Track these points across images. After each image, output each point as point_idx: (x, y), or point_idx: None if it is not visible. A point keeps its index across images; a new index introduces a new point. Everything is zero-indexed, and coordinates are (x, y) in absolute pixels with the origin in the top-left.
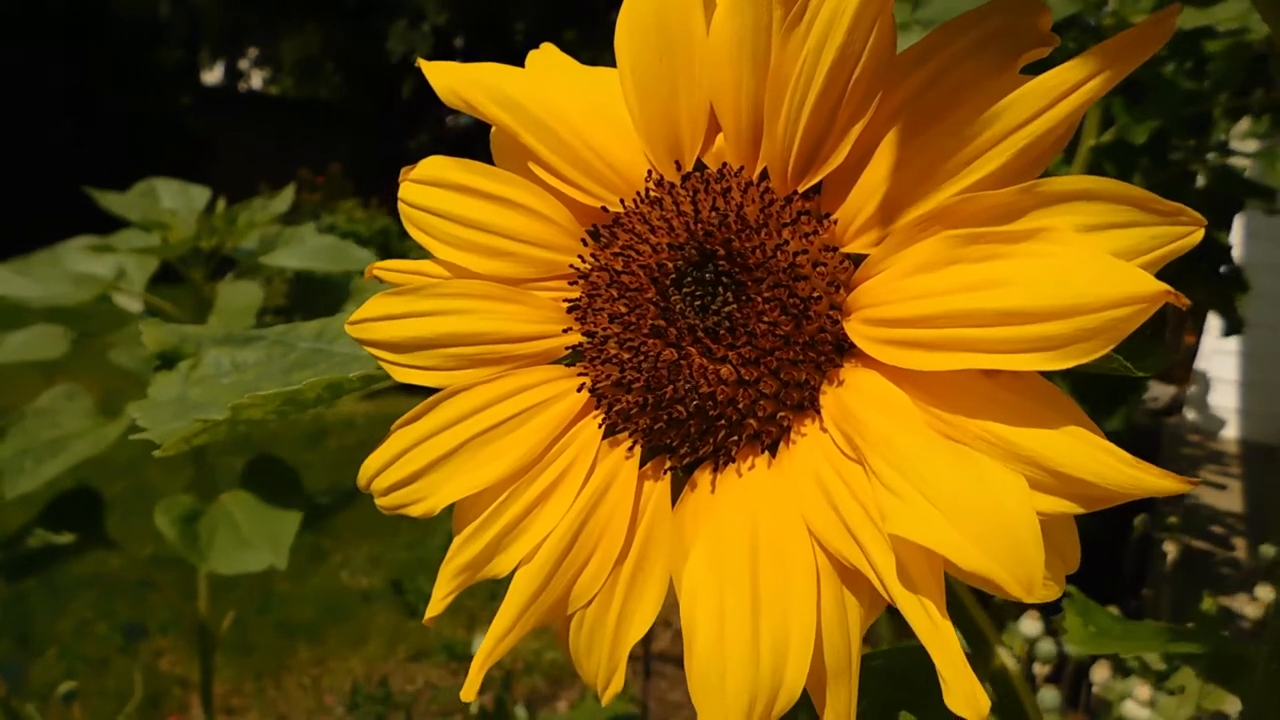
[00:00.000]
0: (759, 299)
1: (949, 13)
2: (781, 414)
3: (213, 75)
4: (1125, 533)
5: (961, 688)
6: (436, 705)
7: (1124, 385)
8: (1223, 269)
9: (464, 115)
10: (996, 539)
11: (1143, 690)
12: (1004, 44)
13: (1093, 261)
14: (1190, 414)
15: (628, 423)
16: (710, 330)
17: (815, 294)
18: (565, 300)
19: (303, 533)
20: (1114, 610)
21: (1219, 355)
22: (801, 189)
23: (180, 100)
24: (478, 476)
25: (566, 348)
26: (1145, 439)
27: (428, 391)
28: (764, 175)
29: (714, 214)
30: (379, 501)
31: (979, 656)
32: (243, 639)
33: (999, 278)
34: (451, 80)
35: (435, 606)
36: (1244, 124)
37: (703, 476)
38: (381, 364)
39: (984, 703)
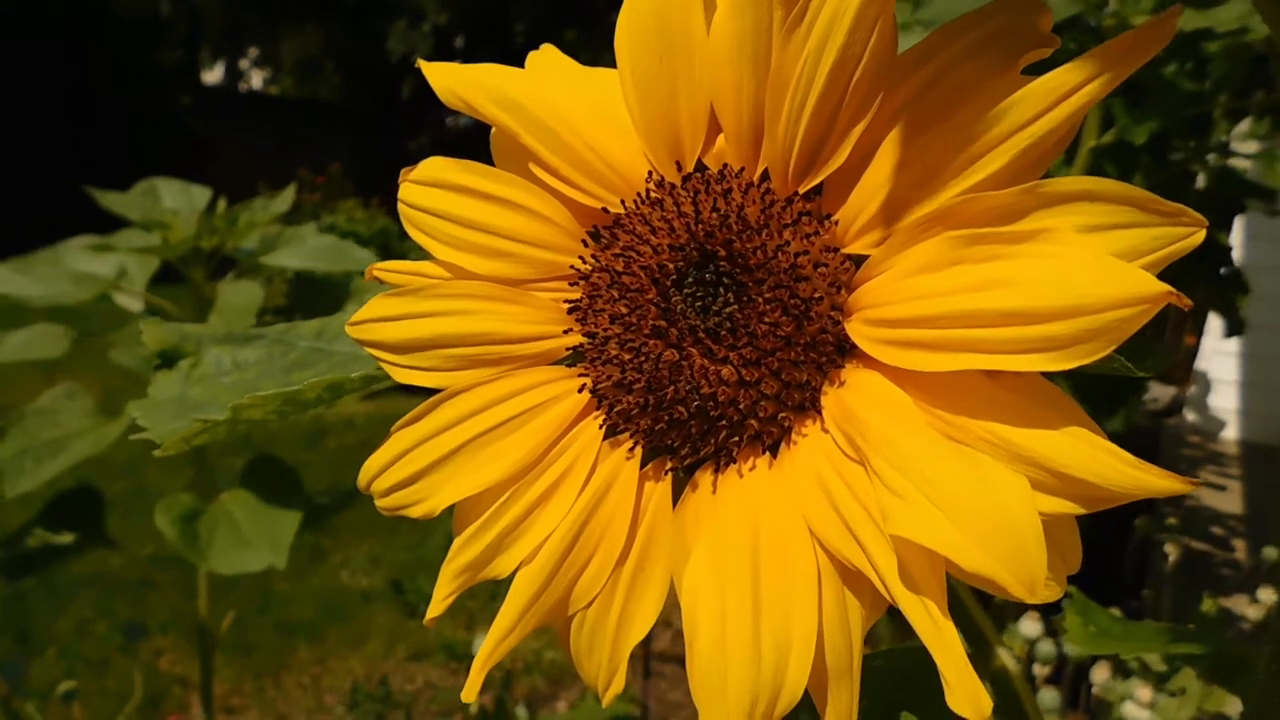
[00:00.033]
0: (760, 300)
1: (950, 13)
2: (783, 415)
3: (213, 75)
4: (1126, 534)
5: (964, 688)
6: (436, 705)
7: (1124, 386)
8: (1223, 270)
9: (464, 116)
10: (999, 540)
11: (1144, 692)
12: (1005, 45)
13: (1094, 262)
14: (1190, 415)
15: (629, 423)
16: (711, 331)
17: (816, 295)
18: (566, 301)
19: (303, 532)
20: (1116, 612)
21: (1219, 356)
22: (803, 190)
23: (180, 100)
24: (478, 478)
25: (567, 349)
26: (1145, 440)
27: (428, 391)
28: (765, 176)
29: (715, 215)
30: (379, 503)
31: (979, 657)
32: (243, 639)
33: (1001, 278)
34: (451, 81)
35: (436, 607)
36: (1245, 125)
37: (704, 477)
38: (382, 365)
39: (986, 703)
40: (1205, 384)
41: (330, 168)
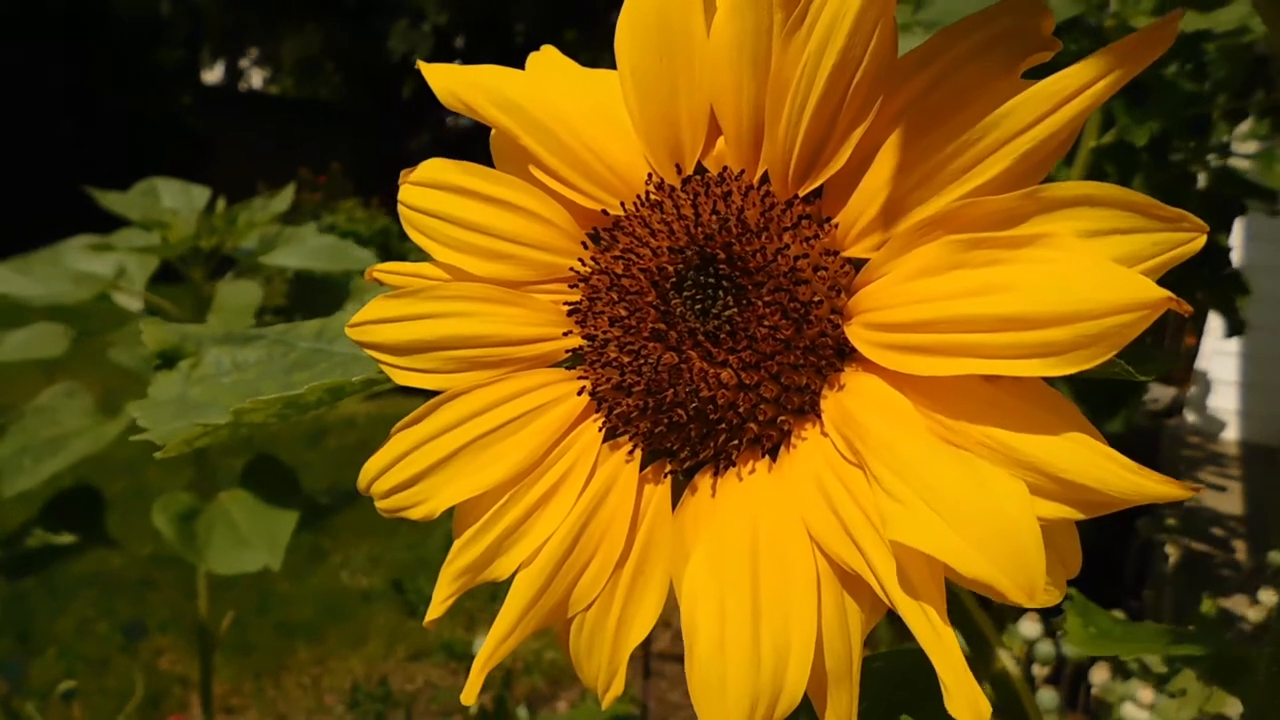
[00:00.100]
0: (759, 303)
1: (951, 14)
2: (782, 418)
3: (213, 75)
4: (1126, 535)
5: (963, 694)
6: (436, 705)
7: (1125, 387)
8: (1223, 271)
9: (464, 116)
10: (997, 545)
11: (1145, 693)
12: (1007, 48)
13: (1094, 267)
14: (1190, 416)
15: (628, 426)
16: (711, 334)
17: (816, 298)
18: (565, 303)
19: (302, 532)
20: (1118, 614)
21: (1219, 357)
22: (802, 193)
23: (180, 100)
24: (478, 480)
25: (567, 351)
26: (1145, 440)
27: (429, 391)
28: (765, 179)
29: (714, 218)
30: (379, 504)
31: (980, 659)
32: (243, 638)
33: (1001, 283)
34: (451, 83)
35: (435, 609)
36: (1246, 125)
37: (703, 480)
38: (382, 366)
39: (985, 708)
40: (1205, 384)
41: (330, 167)
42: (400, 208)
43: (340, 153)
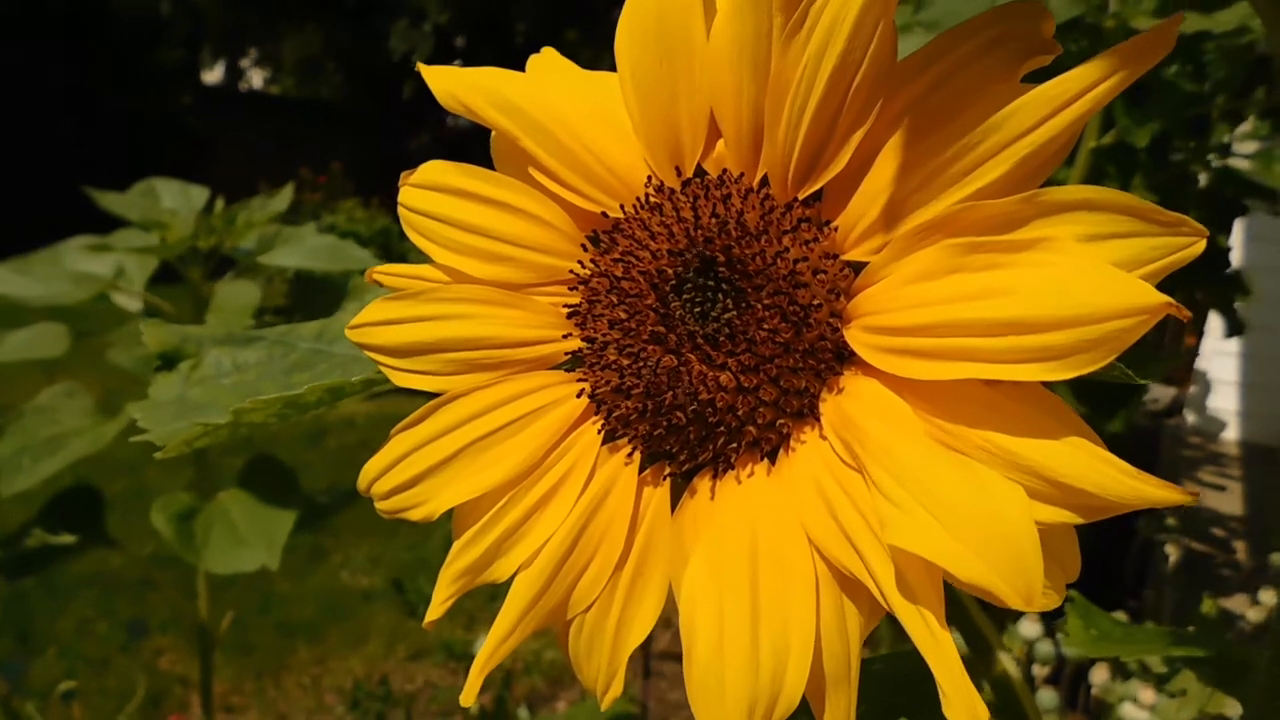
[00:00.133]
0: (759, 306)
1: (952, 15)
2: (781, 421)
3: (213, 75)
4: (1126, 536)
5: (961, 699)
6: (436, 704)
7: (1125, 388)
8: (1224, 271)
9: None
10: (995, 550)
11: (1147, 694)
12: (1006, 51)
13: (1094, 272)
14: (1190, 416)
15: (627, 428)
16: (710, 337)
17: (815, 301)
18: (565, 306)
19: (302, 532)
20: (1121, 616)
21: (1219, 357)
22: (802, 196)
23: (181, 100)
24: (477, 481)
25: (566, 353)
26: (1145, 440)
27: (430, 391)
28: (764, 182)
29: (714, 220)
30: (379, 506)
31: (980, 661)
32: (243, 638)
33: (1000, 287)
34: (450, 85)
35: (435, 610)
36: (1248, 125)
37: (702, 483)
38: (381, 368)
39: (983, 713)
40: (1205, 385)
41: (331, 167)
42: (400, 210)
43: (340, 153)
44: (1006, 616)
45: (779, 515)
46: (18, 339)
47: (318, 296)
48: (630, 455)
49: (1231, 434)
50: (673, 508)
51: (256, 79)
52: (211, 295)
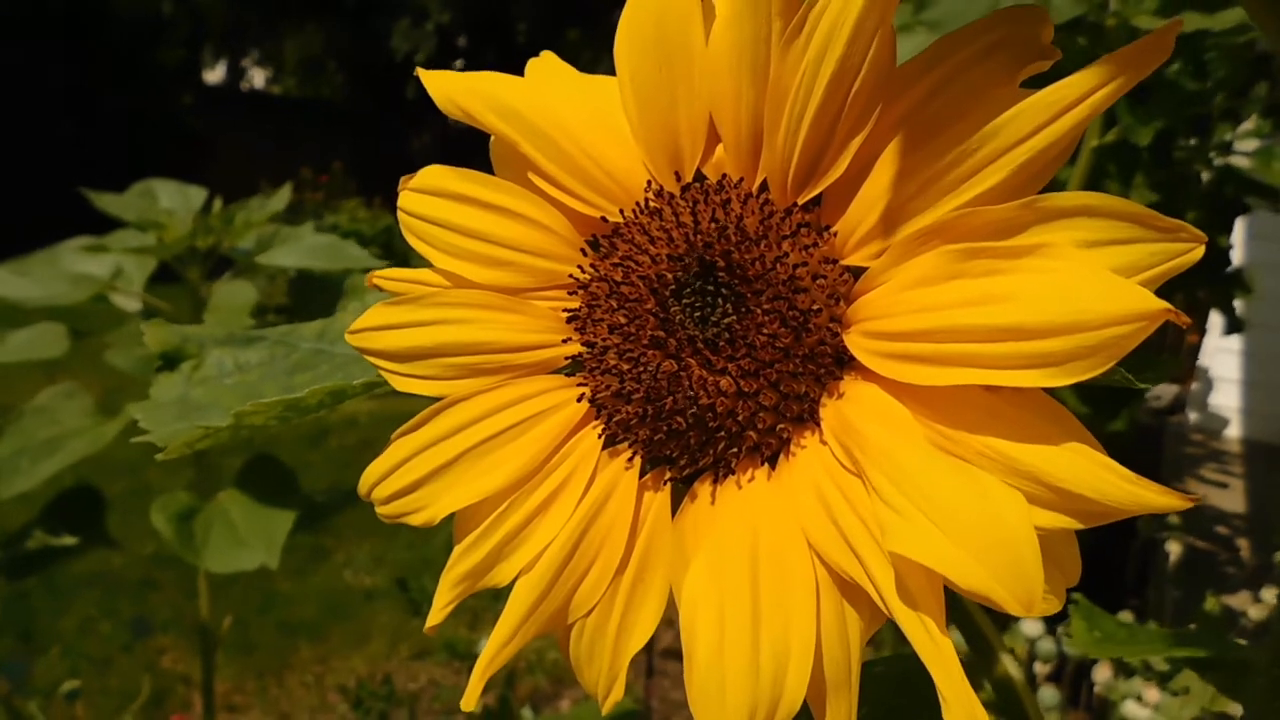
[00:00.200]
0: (758, 311)
1: (954, 15)
2: (781, 426)
3: (215, 75)
4: (1128, 534)
5: (961, 704)
6: (439, 703)
7: (1127, 389)
8: (1226, 269)
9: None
10: (995, 555)
11: (1151, 692)
12: (1005, 56)
13: (1093, 278)
14: (1193, 413)
15: (627, 433)
16: (710, 342)
17: (815, 306)
18: (565, 310)
19: (303, 532)
20: (1127, 616)
21: (1222, 354)
22: (801, 201)
23: (181, 100)
24: (478, 486)
25: (566, 358)
26: (1148, 438)
27: (430, 396)
28: (764, 187)
29: (713, 225)
30: (379, 510)
31: (982, 662)
32: (245, 638)
33: (999, 293)
34: (449, 89)
35: (436, 615)
36: (1250, 124)
37: (703, 488)
38: (381, 372)
39: (983, 718)
40: (1208, 382)
41: (332, 167)
42: (399, 214)
43: (341, 152)
44: (1008, 616)
45: (779, 520)
46: (18, 340)
47: (317, 296)
48: (630, 460)
49: (1234, 431)
50: (673, 513)
51: (258, 79)
52: (209, 295)
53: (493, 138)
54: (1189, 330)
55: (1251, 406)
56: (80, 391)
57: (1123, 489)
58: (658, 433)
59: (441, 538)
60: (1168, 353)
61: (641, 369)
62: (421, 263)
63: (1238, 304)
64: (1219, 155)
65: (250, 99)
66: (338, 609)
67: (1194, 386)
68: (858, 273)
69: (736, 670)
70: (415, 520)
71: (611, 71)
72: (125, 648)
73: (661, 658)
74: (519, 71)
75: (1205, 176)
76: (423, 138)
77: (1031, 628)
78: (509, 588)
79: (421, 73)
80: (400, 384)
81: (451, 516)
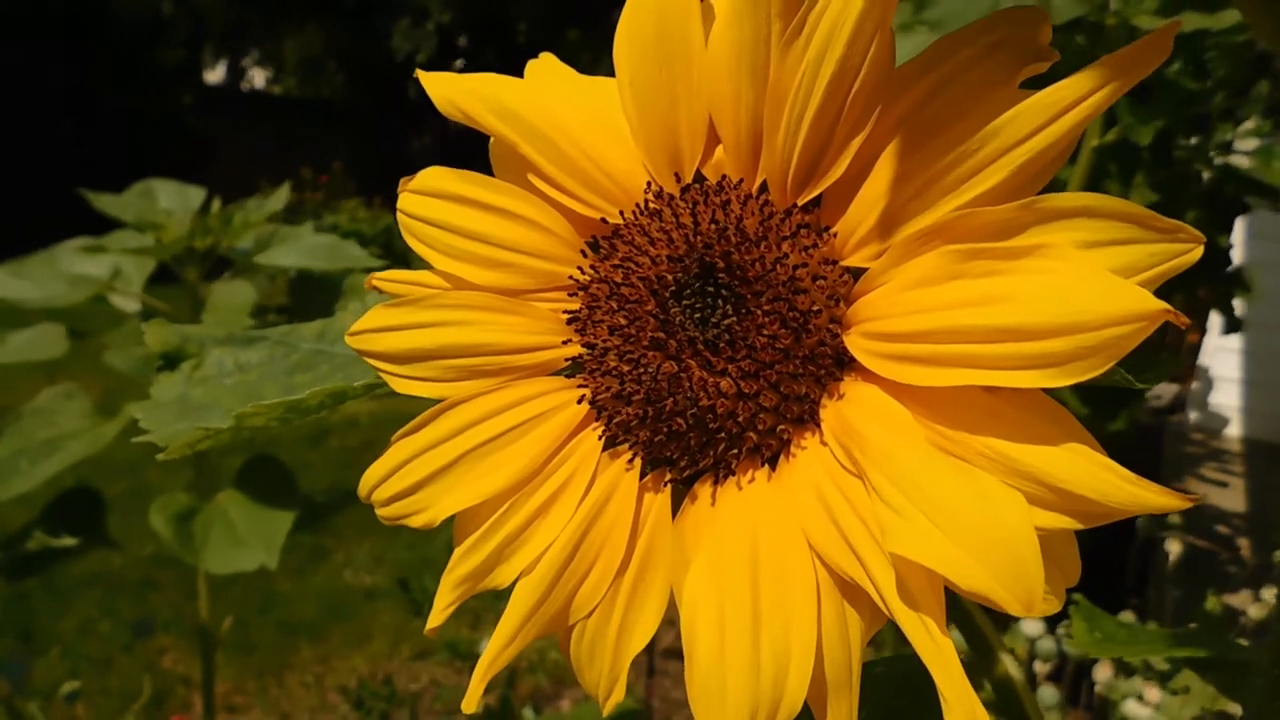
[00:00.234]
0: (758, 312)
1: (955, 14)
2: (781, 427)
3: (215, 75)
4: (1128, 534)
5: (961, 705)
6: (440, 703)
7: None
8: (1225, 268)
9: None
10: (996, 556)
11: (1152, 691)
12: (1005, 57)
13: (1092, 279)
14: (1193, 412)
15: (628, 435)
16: (710, 343)
17: (815, 307)
18: (565, 312)
19: (303, 532)
20: (1129, 616)
21: (1222, 353)
22: (801, 202)
23: (181, 100)
24: (478, 488)
25: (566, 359)
26: (1148, 437)
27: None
28: (763, 188)
29: (713, 226)
30: (379, 513)
31: (982, 662)
32: (245, 638)
33: (999, 294)
34: (449, 91)
35: (437, 616)
36: (1251, 123)
37: (703, 489)
38: (381, 375)
39: (984, 719)
40: (1208, 381)
41: (332, 167)
42: (399, 216)
43: (341, 152)
44: (1008, 616)
45: (780, 521)
46: (18, 341)
47: (317, 296)
48: (631, 461)
49: (1234, 430)
50: (674, 514)
51: (258, 79)
52: (208, 295)
53: (492, 139)
54: (1189, 329)
55: (1252, 405)
56: (79, 392)
57: (1123, 489)
58: (658, 434)
59: (442, 537)
60: (1168, 352)
61: (642, 370)
62: (421, 264)
63: (1237, 303)
64: (1219, 155)
65: (250, 99)
66: (338, 609)
67: (1194, 386)
68: (857, 274)
69: (737, 671)
70: (416, 522)
71: (611, 72)
72: (125, 648)
73: (662, 657)
74: (519, 72)
75: (1205, 176)
76: (423, 138)
77: (1031, 627)
78: (510, 589)
79: (421, 74)
80: (400, 386)
81: (452, 518)
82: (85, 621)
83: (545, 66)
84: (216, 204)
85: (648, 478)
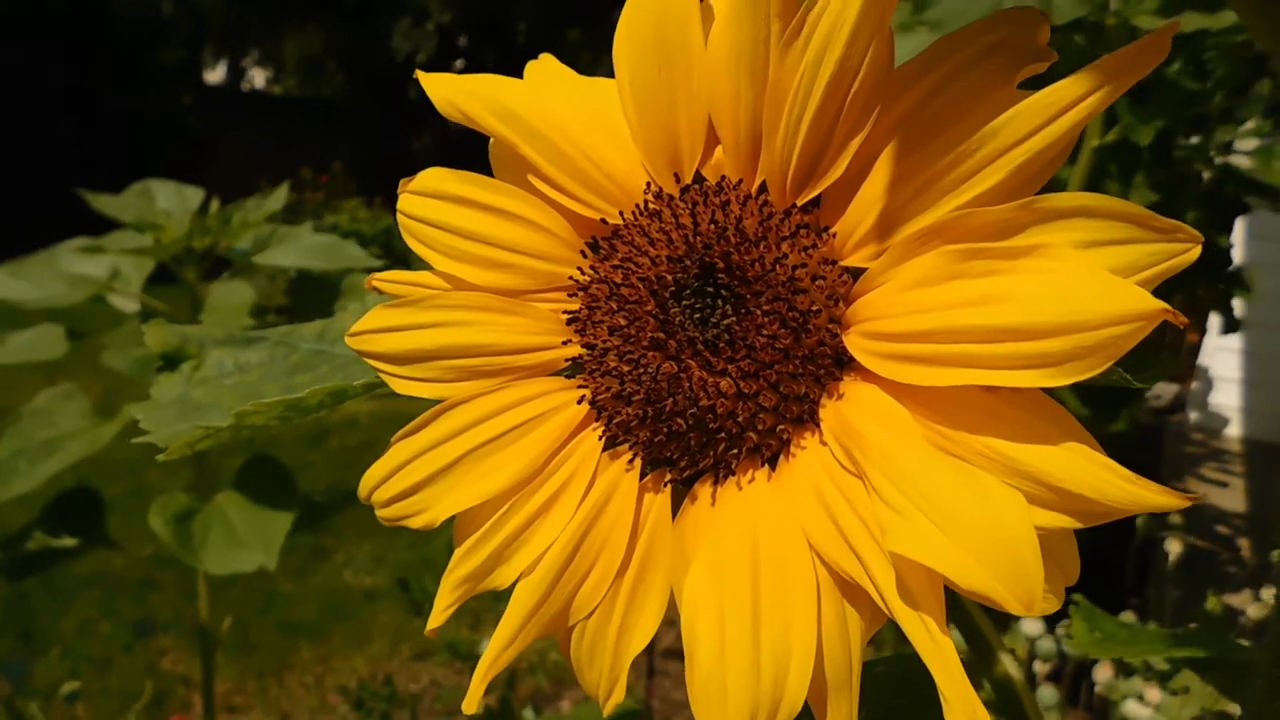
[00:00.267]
0: (758, 312)
1: (956, 14)
2: (781, 427)
3: (215, 75)
4: (1128, 533)
5: (962, 704)
6: (441, 704)
7: (1126, 389)
8: (1225, 268)
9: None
10: (995, 555)
11: (1153, 692)
12: (1003, 58)
13: (1091, 278)
14: (1193, 412)
15: (628, 435)
16: (710, 343)
17: (814, 307)
18: (565, 312)
19: (304, 532)
20: (1129, 616)
21: (1222, 353)
22: (800, 202)
23: (181, 100)
24: (478, 489)
25: (566, 360)
26: (1148, 437)
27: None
28: (763, 188)
29: (713, 227)
30: (380, 513)
31: (982, 662)
32: (245, 638)
33: (998, 294)
34: (449, 92)
35: (437, 617)
36: (1251, 124)
37: (703, 489)
38: (381, 375)
39: (984, 718)
40: (1208, 381)
41: (332, 167)
42: (399, 216)
43: (341, 152)
44: (1008, 615)
45: (780, 521)
46: (18, 341)
47: (317, 296)
48: (631, 462)
49: (1234, 430)
50: (674, 514)
51: (258, 79)
52: (207, 296)
53: (492, 140)
54: (1189, 329)
55: (1252, 405)
56: (79, 393)
57: (1122, 488)
58: (658, 434)
59: (442, 538)
60: (1167, 352)
61: (642, 370)
62: (421, 264)
63: (1236, 303)
64: (1219, 155)
65: (250, 99)
66: (338, 609)
67: (1194, 385)
68: (857, 274)
69: (738, 671)
70: (416, 523)
71: (611, 72)
72: (125, 648)
73: (663, 658)
74: (519, 72)
75: (1205, 176)
76: (423, 138)
77: (1031, 627)
78: (510, 589)
79: (421, 75)
80: (400, 386)
81: (452, 518)
82: (85, 621)
83: (545, 67)
84: (215, 204)
85: (648, 478)
